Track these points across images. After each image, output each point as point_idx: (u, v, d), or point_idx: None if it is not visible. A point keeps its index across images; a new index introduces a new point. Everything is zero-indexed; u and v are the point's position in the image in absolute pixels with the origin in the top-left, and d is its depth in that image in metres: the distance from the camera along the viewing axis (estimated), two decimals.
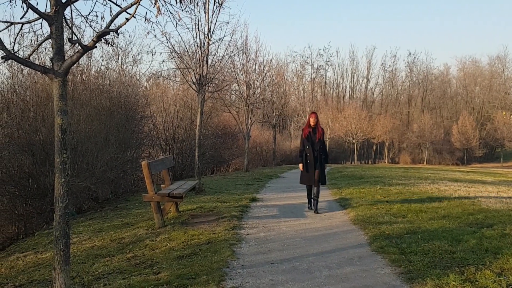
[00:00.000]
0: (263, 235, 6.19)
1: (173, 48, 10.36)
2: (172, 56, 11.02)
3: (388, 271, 4.52)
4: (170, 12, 4.38)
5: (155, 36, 8.72)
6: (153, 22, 4.50)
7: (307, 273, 4.52)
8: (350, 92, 72.80)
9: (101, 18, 3.89)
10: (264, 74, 21.42)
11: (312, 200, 8.02)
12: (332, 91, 72.44)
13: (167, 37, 9.91)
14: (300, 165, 7.97)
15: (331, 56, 79.61)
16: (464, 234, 5.80)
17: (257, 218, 7.45)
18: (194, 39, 10.41)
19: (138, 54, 25.23)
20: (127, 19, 3.53)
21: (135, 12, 3.51)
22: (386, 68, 73.08)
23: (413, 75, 73.95)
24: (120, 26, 3.56)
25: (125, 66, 19.76)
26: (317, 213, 7.75)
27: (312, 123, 7.93)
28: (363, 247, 5.49)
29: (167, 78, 14.97)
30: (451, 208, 7.93)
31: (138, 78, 21.39)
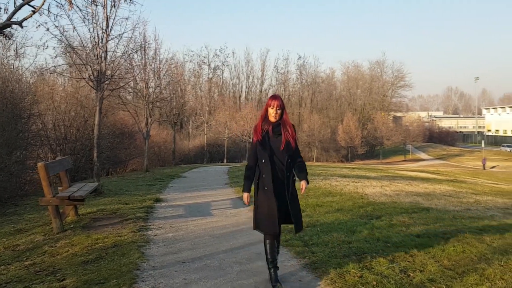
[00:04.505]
0: (171, 235, 6.16)
1: (68, 42, 9.73)
2: (67, 51, 10.32)
3: (294, 262, 4.82)
4: (77, 6, 4.19)
5: (48, 29, 8.05)
6: (48, 14, 4.26)
7: (219, 269, 4.63)
8: (246, 93, 74.63)
9: (4, 10, 3.58)
10: (164, 72, 21.05)
11: (273, 266, 4.19)
12: (228, 91, 73.58)
13: (61, 31, 9.27)
14: (245, 196, 4.31)
15: (227, 56, 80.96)
16: (357, 226, 6.40)
17: (164, 219, 7.37)
18: (91, 34, 9.90)
19: (21, 48, 22.92)
20: (34, 11, 3.32)
21: (43, 3, 3.32)
22: (278, 71, 76.37)
23: (302, 77, 78.25)
24: (25, 19, 3.34)
25: (6, 61, 17.88)
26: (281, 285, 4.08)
27: (273, 116, 4.19)
28: None
29: (61, 74, 13.93)
30: (343, 202, 8.65)
31: (21, 73, 19.51)
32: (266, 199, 4.07)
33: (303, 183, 4.21)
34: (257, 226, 4.23)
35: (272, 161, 4.10)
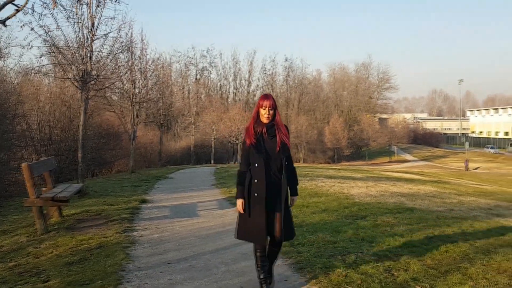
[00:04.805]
0: (157, 236, 6.14)
1: (53, 42, 9.62)
2: (51, 51, 10.20)
3: (280, 262, 4.82)
4: (61, 5, 4.16)
5: (32, 29, 7.95)
6: (32, 13, 4.22)
7: (204, 270, 4.63)
8: (233, 94, 74.67)
9: None
10: (151, 73, 20.97)
11: (264, 276, 3.90)
12: (216, 92, 73.53)
13: (46, 30, 9.17)
14: (239, 202, 3.85)
15: (214, 57, 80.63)
16: (342, 226, 6.46)
17: (149, 220, 7.34)
18: (76, 33, 9.81)
19: (6, 48, 22.61)
20: (17, 10, 3.29)
21: (27, 2, 3.29)
22: (266, 72, 76.61)
23: (289, 79, 78.62)
24: (8, 17, 3.30)
25: None
26: None
27: (266, 117, 3.85)
28: None
29: (46, 74, 13.74)
30: (329, 203, 8.71)
31: (5, 73, 19.26)
32: (256, 206, 3.76)
33: (293, 198, 4.02)
34: (243, 235, 3.86)
35: (266, 166, 3.77)
